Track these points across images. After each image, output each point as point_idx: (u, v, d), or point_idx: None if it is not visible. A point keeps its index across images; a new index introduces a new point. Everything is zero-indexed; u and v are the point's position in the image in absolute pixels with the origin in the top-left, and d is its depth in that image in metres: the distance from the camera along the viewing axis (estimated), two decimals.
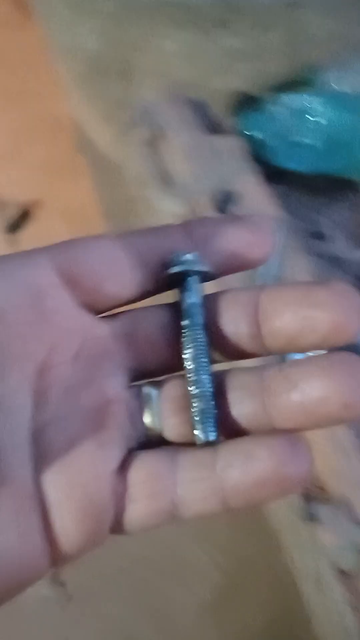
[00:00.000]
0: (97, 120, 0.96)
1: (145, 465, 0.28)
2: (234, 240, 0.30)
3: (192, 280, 0.30)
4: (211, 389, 0.29)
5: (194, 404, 0.29)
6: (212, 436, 0.28)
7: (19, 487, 0.25)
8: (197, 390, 0.29)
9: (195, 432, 0.29)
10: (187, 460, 0.28)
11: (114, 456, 0.28)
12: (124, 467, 0.28)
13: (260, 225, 0.30)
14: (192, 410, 0.29)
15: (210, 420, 0.29)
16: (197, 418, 0.29)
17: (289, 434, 0.27)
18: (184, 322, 0.30)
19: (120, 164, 1.06)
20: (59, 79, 1.04)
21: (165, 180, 0.63)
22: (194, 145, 0.63)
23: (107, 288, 0.29)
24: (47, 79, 1.23)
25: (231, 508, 0.27)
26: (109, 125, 0.94)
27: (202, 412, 0.29)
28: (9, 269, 0.28)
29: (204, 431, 0.29)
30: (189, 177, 0.61)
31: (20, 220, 1.19)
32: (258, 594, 0.86)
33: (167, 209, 0.63)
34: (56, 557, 0.26)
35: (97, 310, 0.30)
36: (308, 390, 0.27)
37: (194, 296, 0.30)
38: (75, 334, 0.28)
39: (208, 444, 0.28)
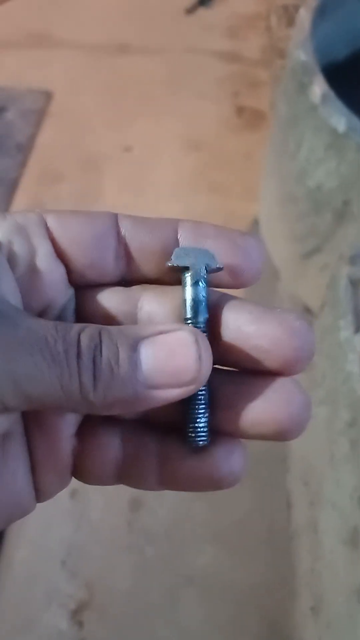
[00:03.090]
0: (284, 238, 1.07)
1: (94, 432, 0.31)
2: (226, 256, 0.30)
3: (196, 275, 0.29)
4: (205, 393, 0.29)
5: (189, 409, 0.29)
6: (202, 442, 0.29)
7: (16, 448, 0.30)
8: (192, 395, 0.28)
9: (189, 436, 0.29)
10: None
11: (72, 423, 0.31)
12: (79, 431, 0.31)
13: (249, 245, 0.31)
14: (186, 415, 0.29)
15: (202, 425, 0.29)
16: (190, 423, 0.29)
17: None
18: (187, 316, 0.29)
19: (289, 279, 1.16)
20: (263, 188, 1.16)
21: (358, 319, 0.71)
22: None
23: (88, 273, 0.31)
24: (243, 182, 1.37)
25: None
26: (294, 246, 1.04)
27: (195, 417, 0.29)
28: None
29: (196, 436, 0.29)
30: None
31: None
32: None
33: (352, 343, 0.69)
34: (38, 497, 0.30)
35: (77, 283, 0.31)
36: (243, 413, 0.29)
37: (199, 292, 0.29)
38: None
39: (198, 449, 0.30)
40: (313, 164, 0.87)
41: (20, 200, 1.39)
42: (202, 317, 0.29)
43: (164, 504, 1.01)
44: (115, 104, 1.61)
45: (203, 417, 0.29)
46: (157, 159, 1.50)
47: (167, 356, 0.26)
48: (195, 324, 0.29)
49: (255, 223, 1.23)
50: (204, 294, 0.29)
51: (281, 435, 0.29)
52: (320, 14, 0.99)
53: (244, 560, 0.99)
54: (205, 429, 0.29)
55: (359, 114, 0.87)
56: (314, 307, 1.02)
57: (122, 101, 1.62)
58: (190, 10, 1.87)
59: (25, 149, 1.46)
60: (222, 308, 0.30)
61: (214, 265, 0.29)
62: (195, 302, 0.29)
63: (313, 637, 0.80)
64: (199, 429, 0.29)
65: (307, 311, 1.06)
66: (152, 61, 1.73)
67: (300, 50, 0.86)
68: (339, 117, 0.78)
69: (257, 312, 0.29)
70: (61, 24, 1.82)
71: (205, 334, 0.29)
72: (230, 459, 0.29)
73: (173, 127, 1.55)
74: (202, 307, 0.29)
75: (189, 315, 0.29)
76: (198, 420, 0.29)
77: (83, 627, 0.92)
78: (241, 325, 0.29)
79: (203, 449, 0.29)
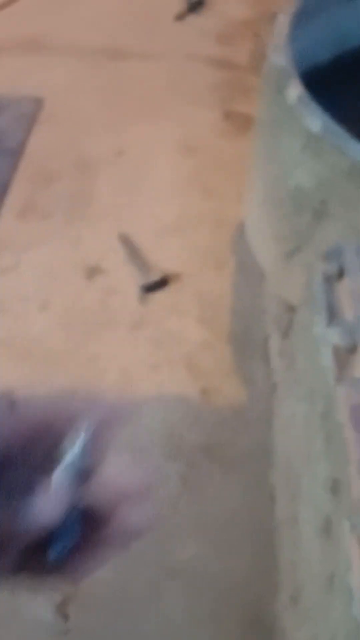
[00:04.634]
0: (270, 238, 1.09)
1: None
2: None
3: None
4: None
5: None
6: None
7: None
8: None
9: None
10: None
11: None
12: None
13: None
14: None
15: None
16: None
17: None
18: None
19: (273, 278, 1.18)
20: (249, 190, 1.19)
21: (331, 314, 0.73)
22: None
23: None
24: (234, 184, 1.39)
25: None
26: (279, 246, 1.06)
27: None
28: None
29: None
30: (355, 318, 0.70)
31: (158, 285, 1.31)
32: None
33: (325, 337, 0.71)
34: None
35: None
36: None
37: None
38: None
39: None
40: (291, 165, 0.90)
41: (14, 202, 1.42)
42: None
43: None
44: (109, 108, 1.64)
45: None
46: (150, 162, 1.53)
47: None
48: None
49: (241, 225, 1.25)
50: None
51: None
52: (301, 19, 1.02)
53: (228, 554, 1.01)
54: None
55: (341, 116, 0.89)
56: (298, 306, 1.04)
57: (115, 106, 1.65)
58: (180, 17, 1.90)
59: (18, 153, 1.49)
60: None
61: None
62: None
63: (293, 626, 0.82)
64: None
65: (291, 310, 1.08)
66: (145, 67, 1.76)
67: (277, 55, 0.88)
68: (314, 119, 0.81)
69: None
70: (55, 30, 1.85)
71: None
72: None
73: (166, 132, 1.58)
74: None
75: None
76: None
77: (68, 619, 0.94)
78: None
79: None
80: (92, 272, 1.35)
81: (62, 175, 1.49)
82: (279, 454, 1.03)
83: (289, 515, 0.92)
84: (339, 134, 0.78)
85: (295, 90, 0.83)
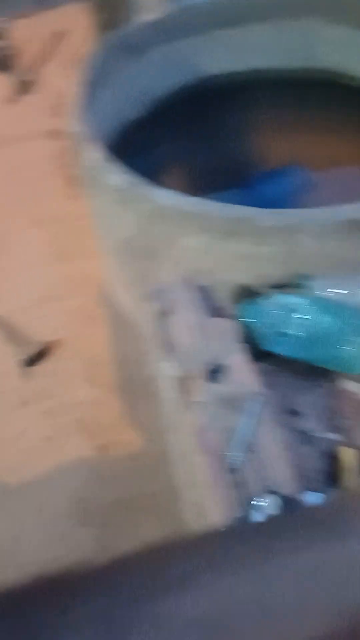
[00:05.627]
0: (123, 286, 1.13)
1: None
2: None
3: None
4: None
5: None
6: None
7: None
8: None
9: None
10: None
11: None
12: None
13: None
14: None
15: None
16: None
17: None
18: None
19: (136, 324, 1.22)
20: (98, 247, 1.24)
21: (169, 347, 0.77)
22: (196, 323, 0.78)
23: None
24: (88, 243, 1.44)
25: None
26: (132, 292, 1.11)
27: None
28: None
29: None
30: (188, 348, 0.75)
31: (38, 356, 1.33)
32: None
33: (166, 371, 0.75)
34: None
35: None
36: None
37: None
38: None
39: None
40: (113, 218, 0.95)
41: None
42: None
43: None
44: None
45: None
46: (4, 238, 1.56)
47: None
48: None
49: (103, 280, 1.30)
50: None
51: None
52: (97, 84, 1.09)
53: None
54: None
55: (153, 166, 0.96)
56: None
57: None
58: (13, 101, 1.96)
59: None
60: None
61: None
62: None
63: None
64: None
65: None
66: None
67: (73, 122, 0.94)
68: (113, 175, 0.86)
69: None
70: None
71: None
72: None
73: (16, 207, 1.62)
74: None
75: None
76: None
77: None
78: None
79: None
80: None
81: None
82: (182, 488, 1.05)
83: None
84: (138, 184, 0.84)
85: (93, 153, 0.89)
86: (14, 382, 1.30)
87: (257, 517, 0.67)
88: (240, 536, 0.29)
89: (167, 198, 0.80)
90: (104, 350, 1.32)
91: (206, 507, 0.69)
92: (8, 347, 1.33)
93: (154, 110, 1.20)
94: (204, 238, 0.83)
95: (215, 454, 0.71)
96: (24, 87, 1.97)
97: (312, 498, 0.74)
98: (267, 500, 0.68)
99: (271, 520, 0.32)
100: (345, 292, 0.89)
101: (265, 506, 0.67)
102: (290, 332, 0.88)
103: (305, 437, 0.88)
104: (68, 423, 1.22)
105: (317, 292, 0.90)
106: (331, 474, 0.81)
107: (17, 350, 1.32)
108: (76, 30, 2.10)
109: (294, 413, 0.87)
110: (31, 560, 0.98)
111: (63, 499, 1.09)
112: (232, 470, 0.71)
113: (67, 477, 1.13)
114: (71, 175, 1.66)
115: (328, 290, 0.92)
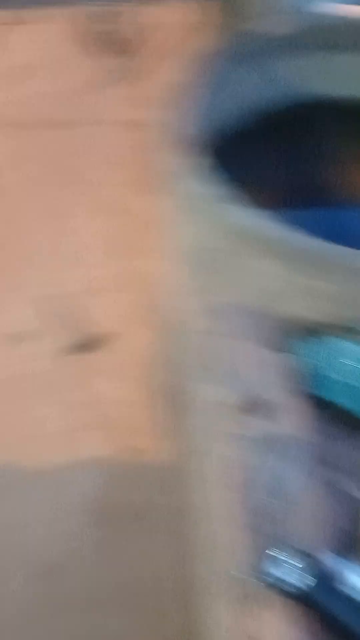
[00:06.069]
0: (181, 295, 1.10)
1: None
2: None
3: None
4: None
5: None
6: None
7: None
8: None
9: None
10: None
11: None
12: None
13: None
14: None
15: None
16: None
17: None
18: None
19: (186, 336, 1.19)
20: (161, 249, 1.21)
21: (214, 369, 0.74)
22: (248, 350, 0.74)
23: None
24: (149, 241, 1.42)
25: None
26: (189, 303, 1.08)
27: None
28: None
29: None
30: (235, 374, 0.72)
31: (79, 346, 1.31)
32: None
33: (206, 393, 0.72)
34: None
35: None
36: None
37: None
38: None
39: None
40: (187, 226, 0.92)
41: None
42: None
43: None
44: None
45: None
46: (71, 223, 1.55)
47: None
48: None
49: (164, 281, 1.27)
50: None
51: None
52: (210, 87, 1.06)
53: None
54: None
55: (237, 178, 0.93)
56: None
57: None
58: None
59: None
60: None
61: None
62: None
63: None
64: None
65: None
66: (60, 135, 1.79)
67: (175, 119, 0.91)
68: (204, 185, 0.83)
69: None
70: None
71: None
72: None
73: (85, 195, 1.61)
74: None
75: None
76: None
77: None
78: None
79: None
80: (15, 339, 1.34)
81: None
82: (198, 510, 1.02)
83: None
84: (223, 197, 0.81)
85: (185, 155, 0.86)
86: (48, 366, 1.29)
87: (269, 567, 0.64)
88: None
89: (249, 218, 0.77)
90: (146, 353, 1.30)
91: (218, 542, 0.65)
92: (51, 329, 1.32)
93: (252, 124, 1.17)
94: (278, 266, 0.79)
95: (239, 492, 0.68)
96: (123, 73, 1.96)
97: (330, 560, 0.70)
98: (283, 552, 0.64)
99: None
100: None
101: (281, 559, 0.64)
102: (336, 376, 0.84)
103: (337, 494, 0.83)
104: (93, 419, 1.21)
105: None
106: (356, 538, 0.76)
107: (59, 336, 1.31)
108: (186, 25, 2.09)
109: (333, 467, 0.83)
110: (35, 552, 0.97)
111: (77, 496, 1.08)
112: (255, 513, 0.67)
113: (84, 474, 1.11)
114: (146, 170, 1.64)
115: None
